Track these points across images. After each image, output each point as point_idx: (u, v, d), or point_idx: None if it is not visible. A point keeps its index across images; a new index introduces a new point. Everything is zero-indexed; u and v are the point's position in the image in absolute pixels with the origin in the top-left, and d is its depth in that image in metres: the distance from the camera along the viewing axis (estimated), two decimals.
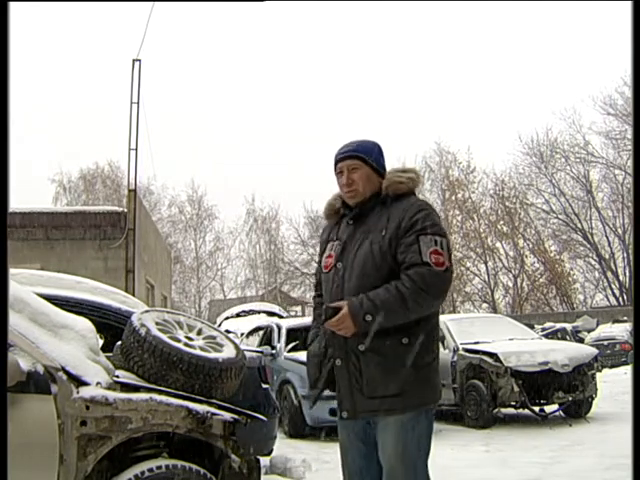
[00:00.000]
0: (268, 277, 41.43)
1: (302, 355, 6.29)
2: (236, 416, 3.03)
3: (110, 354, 3.38)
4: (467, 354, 8.95)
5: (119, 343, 3.40)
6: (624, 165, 34.14)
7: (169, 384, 3.11)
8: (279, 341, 9.34)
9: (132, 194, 13.93)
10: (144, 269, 15.20)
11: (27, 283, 4.01)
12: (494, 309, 36.25)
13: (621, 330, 20.02)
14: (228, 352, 3.37)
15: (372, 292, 2.62)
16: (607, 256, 36.68)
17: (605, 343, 19.25)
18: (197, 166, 66.37)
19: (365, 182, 2.79)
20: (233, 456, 2.99)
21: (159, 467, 2.87)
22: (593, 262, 37.48)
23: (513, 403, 8.66)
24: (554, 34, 54.33)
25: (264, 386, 5.52)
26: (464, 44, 52.35)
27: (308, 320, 6.67)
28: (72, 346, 2.98)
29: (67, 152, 56.00)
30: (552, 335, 19.50)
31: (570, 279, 37.50)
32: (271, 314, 16.35)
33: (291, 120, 56.44)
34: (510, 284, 38.88)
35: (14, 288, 2.96)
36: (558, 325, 22.36)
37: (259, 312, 16.90)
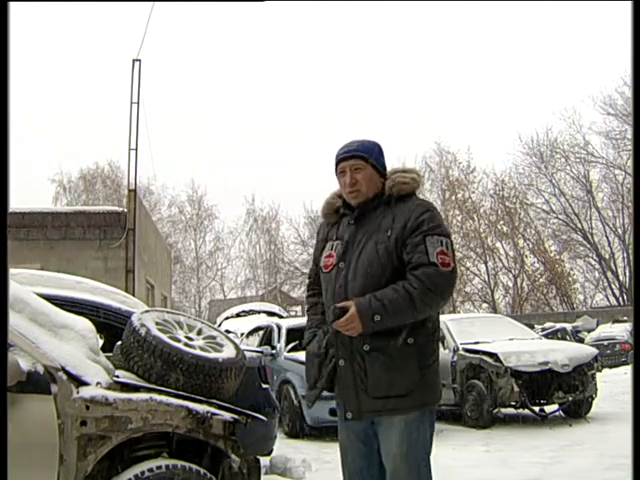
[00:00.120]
0: (268, 277, 41.43)
1: (302, 355, 6.27)
2: (236, 416, 3.03)
3: (110, 354, 3.38)
4: (467, 354, 8.95)
5: (119, 343, 3.39)
6: (624, 165, 34.15)
7: (169, 384, 3.10)
8: (279, 341, 9.34)
9: (132, 194, 13.93)
10: (144, 269, 15.20)
11: (27, 283, 4.01)
12: (494, 309, 36.25)
13: (621, 330, 20.03)
14: (228, 352, 3.36)
15: (379, 292, 2.62)
16: (607, 256, 36.69)
17: (605, 343, 19.25)
18: (197, 166, 66.46)
19: (368, 182, 2.79)
20: (233, 456, 2.99)
21: (159, 467, 2.87)
22: (593, 262, 37.50)
23: (513, 403, 8.66)
24: (554, 34, 54.38)
25: (264, 386, 5.52)
26: (464, 44, 52.43)
27: None
28: (72, 346, 2.98)
29: (67, 152, 56.09)
30: (552, 335, 19.51)
31: (570, 279, 37.50)
32: (271, 314, 16.35)
33: (291, 120, 56.47)
34: (510, 284, 38.92)
35: (14, 288, 2.96)
36: (558, 325, 22.37)
37: (259, 312, 16.90)
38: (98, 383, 2.89)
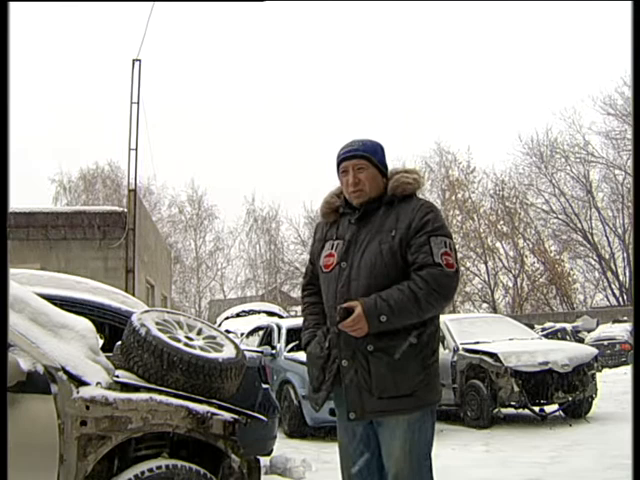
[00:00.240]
0: (268, 277, 41.44)
1: (302, 355, 6.28)
2: (236, 416, 3.03)
3: (110, 354, 3.38)
4: (467, 354, 8.95)
5: (119, 343, 3.39)
6: (624, 165, 34.16)
7: (169, 384, 3.10)
8: (279, 341, 9.34)
9: (132, 194, 13.94)
10: (144, 269, 15.20)
11: (27, 283, 4.01)
12: (494, 309, 36.25)
13: (621, 330, 20.04)
14: (228, 352, 3.36)
15: (384, 292, 2.62)
16: (607, 256, 36.70)
17: (605, 343, 19.27)
18: (197, 166, 66.46)
19: (371, 182, 2.79)
20: (233, 456, 2.99)
21: (159, 467, 2.86)
22: (593, 262, 37.52)
23: (513, 403, 8.66)
24: (554, 34, 54.39)
25: (264, 386, 5.52)
26: (464, 44, 52.47)
27: None
28: (72, 346, 2.98)
29: (67, 152, 56.06)
30: (552, 335, 19.53)
31: (570, 279, 37.51)
32: (271, 314, 16.36)
33: (291, 120, 56.53)
34: (510, 284, 38.92)
35: (14, 288, 2.96)
36: (558, 325, 22.39)
37: (259, 312, 16.91)
38: (98, 383, 2.88)
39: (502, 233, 38.03)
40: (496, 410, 8.64)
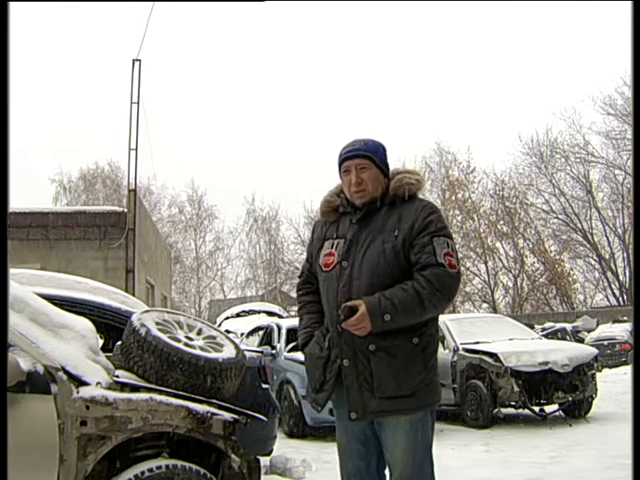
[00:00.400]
0: (268, 277, 41.44)
1: (302, 355, 6.27)
2: (236, 416, 3.03)
3: (110, 354, 3.38)
4: (467, 354, 8.95)
5: (119, 343, 3.39)
6: (624, 165, 34.16)
7: (169, 384, 3.10)
8: (279, 341, 9.34)
9: (132, 194, 13.94)
10: (144, 269, 15.20)
11: (27, 283, 4.01)
12: (494, 309, 36.24)
13: (621, 330, 20.04)
14: (228, 352, 3.36)
15: (388, 291, 2.62)
16: (607, 256, 36.70)
17: (605, 343, 19.27)
18: (197, 166, 66.46)
19: (374, 182, 2.79)
20: (233, 456, 2.99)
21: (159, 467, 2.86)
22: (593, 262, 37.51)
23: (513, 403, 8.66)
24: (554, 34, 54.39)
25: (264, 386, 5.52)
26: (464, 44, 52.49)
27: None
28: (72, 346, 2.97)
29: (67, 152, 56.06)
30: (552, 335, 19.53)
31: (570, 279, 37.50)
32: (271, 314, 16.36)
33: (291, 120, 56.51)
34: (510, 284, 38.92)
35: (14, 288, 2.96)
36: (558, 325, 22.39)
37: (259, 312, 16.92)
38: (98, 383, 2.88)
39: (502, 233, 38.03)
40: (496, 410, 8.64)
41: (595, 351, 9.43)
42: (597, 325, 23.34)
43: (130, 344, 3.22)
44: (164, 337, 3.22)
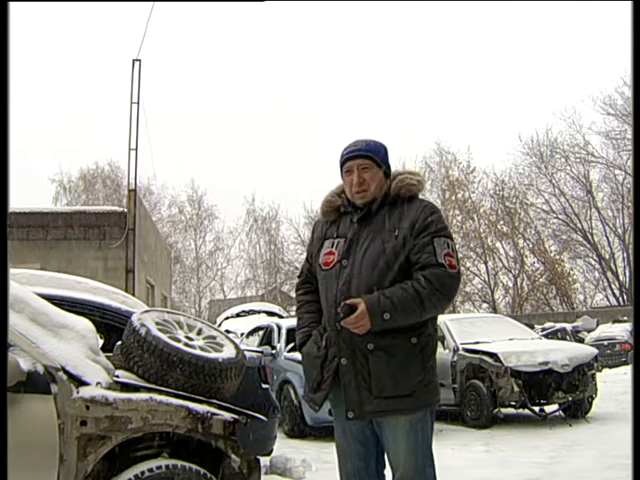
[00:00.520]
0: (268, 277, 41.43)
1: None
2: (236, 416, 3.03)
3: (110, 354, 3.38)
4: (467, 354, 8.95)
5: (119, 343, 3.39)
6: (624, 165, 34.16)
7: (169, 384, 3.10)
8: (279, 341, 9.34)
9: (132, 194, 13.94)
10: (144, 269, 15.20)
11: (27, 283, 4.01)
12: (494, 309, 36.25)
13: (621, 330, 20.05)
14: (228, 352, 3.36)
15: (388, 290, 2.63)
16: (607, 256, 36.70)
17: (605, 343, 19.27)
18: (197, 166, 66.47)
19: (376, 182, 2.80)
20: (233, 456, 2.99)
21: (159, 467, 2.86)
22: (593, 262, 37.52)
23: (513, 403, 8.66)
24: (554, 34, 54.39)
25: (264, 386, 5.52)
26: (464, 44, 52.52)
27: None
28: (72, 346, 2.97)
29: (67, 152, 56.07)
30: (552, 335, 19.53)
31: (570, 279, 37.50)
32: (271, 314, 16.38)
33: (291, 120, 56.52)
34: (510, 284, 38.92)
35: (14, 288, 2.96)
36: (558, 325, 22.39)
37: (259, 312, 16.92)
38: (98, 383, 2.88)
39: (502, 233, 38.03)
40: (496, 410, 8.64)
41: (595, 351, 9.43)
42: (597, 325, 23.34)
43: (130, 344, 3.22)
44: (164, 337, 3.22)
